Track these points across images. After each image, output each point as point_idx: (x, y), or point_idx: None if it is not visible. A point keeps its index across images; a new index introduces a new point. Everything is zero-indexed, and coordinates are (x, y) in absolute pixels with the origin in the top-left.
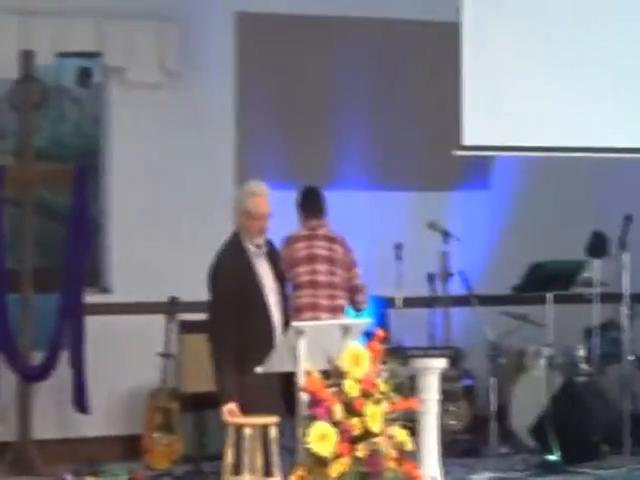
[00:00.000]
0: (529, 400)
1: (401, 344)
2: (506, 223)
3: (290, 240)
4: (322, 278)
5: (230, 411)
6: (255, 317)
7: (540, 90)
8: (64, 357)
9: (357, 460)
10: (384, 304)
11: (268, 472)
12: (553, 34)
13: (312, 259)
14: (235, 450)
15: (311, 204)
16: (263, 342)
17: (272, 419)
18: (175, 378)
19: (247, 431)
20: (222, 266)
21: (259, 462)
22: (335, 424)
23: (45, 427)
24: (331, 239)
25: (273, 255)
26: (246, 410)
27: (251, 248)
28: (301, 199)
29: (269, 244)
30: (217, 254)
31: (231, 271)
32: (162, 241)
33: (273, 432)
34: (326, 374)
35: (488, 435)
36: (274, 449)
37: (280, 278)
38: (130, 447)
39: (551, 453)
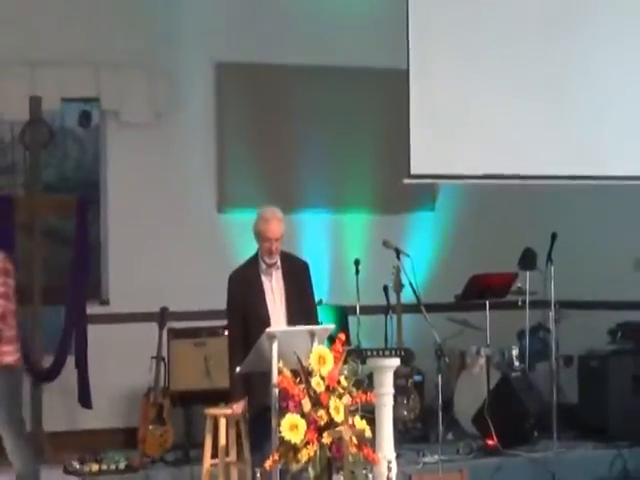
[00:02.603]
0: (470, 393)
1: (360, 346)
2: (449, 241)
3: None
4: None
5: (236, 408)
6: (256, 325)
7: (477, 126)
8: (70, 361)
9: (323, 446)
10: (345, 312)
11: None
12: (490, 78)
13: None
14: (213, 437)
15: None
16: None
17: (238, 410)
18: (166, 378)
19: (221, 421)
20: (233, 276)
21: (233, 447)
22: (304, 415)
23: (54, 421)
24: None
25: (292, 272)
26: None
27: (262, 265)
28: None
29: (289, 260)
30: (239, 266)
31: (239, 281)
32: (153, 259)
33: (242, 421)
34: (296, 373)
35: (436, 424)
36: (244, 435)
37: (294, 295)
38: (128, 437)
39: (490, 438)
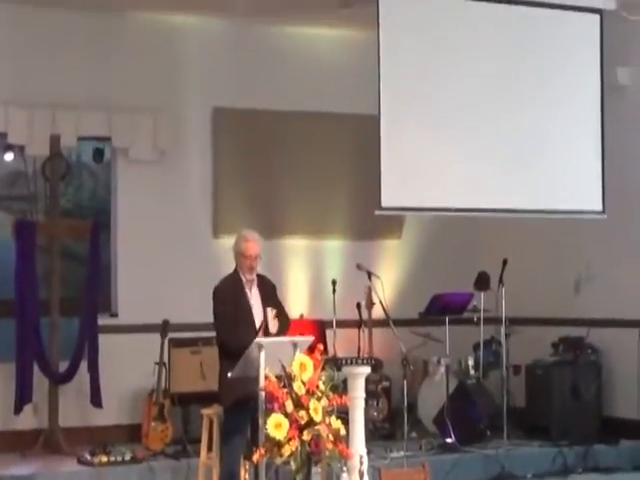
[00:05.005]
0: (432, 397)
1: (336, 355)
2: (414, 265)
3: None
4: None
5: None
6: (244, 328)
7: (438, 167)
8: (83, 365)
9: (304, 442)
10: (323, 325)
11: None
12: (450, 127)
13: None
14: (209, 433)
15: None
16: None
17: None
18: (167, 381)
19: (215, 419)
20: (220, 288)
21: None
22: (287, 415)
23: (69, 417)
24: None
25: (264, 287)
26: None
27: (243, 279)
28: None
29: (262, 278)
30: (220, 281)
31: (227, 292)
32: (157, 278)
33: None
34: (280, 378)
35: (401, 424)
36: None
37: (267, 304)
38: (133, 433)
39: (449, 437)
